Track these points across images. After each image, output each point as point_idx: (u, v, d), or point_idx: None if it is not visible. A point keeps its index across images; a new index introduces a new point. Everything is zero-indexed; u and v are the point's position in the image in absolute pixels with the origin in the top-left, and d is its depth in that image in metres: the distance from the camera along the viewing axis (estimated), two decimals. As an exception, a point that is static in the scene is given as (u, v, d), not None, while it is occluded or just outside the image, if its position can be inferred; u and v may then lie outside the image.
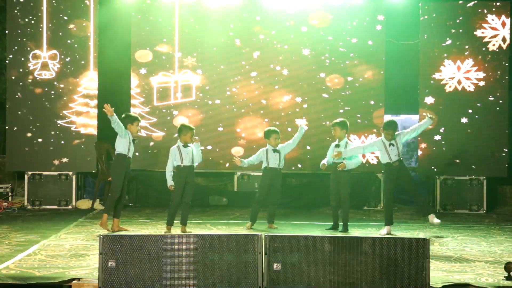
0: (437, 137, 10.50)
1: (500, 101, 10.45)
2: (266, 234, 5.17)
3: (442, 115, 10.50)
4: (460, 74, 10.48)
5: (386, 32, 10.68)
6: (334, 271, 5.03)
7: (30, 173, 10.40)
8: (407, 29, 10.97)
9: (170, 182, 7.99)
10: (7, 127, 10.48)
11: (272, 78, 10.73)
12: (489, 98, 10.43)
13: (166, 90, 10.68)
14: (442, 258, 6.53)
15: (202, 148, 8.53)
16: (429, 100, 10.51)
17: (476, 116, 10.48)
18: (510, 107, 10.57)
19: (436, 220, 8.02)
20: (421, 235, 8.05)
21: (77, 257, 6.36)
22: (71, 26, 10.47)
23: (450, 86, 10.48)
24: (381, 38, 10.67)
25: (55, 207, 10.37)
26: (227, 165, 10.16)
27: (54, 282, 5.40)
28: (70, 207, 10.39)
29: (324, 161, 8.48)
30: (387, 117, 10.92)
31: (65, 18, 10.46)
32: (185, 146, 8.00)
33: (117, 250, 5.02)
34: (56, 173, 10.45)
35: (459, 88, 10.47)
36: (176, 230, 8.01)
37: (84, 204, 10.51)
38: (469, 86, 10.46)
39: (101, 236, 5.04)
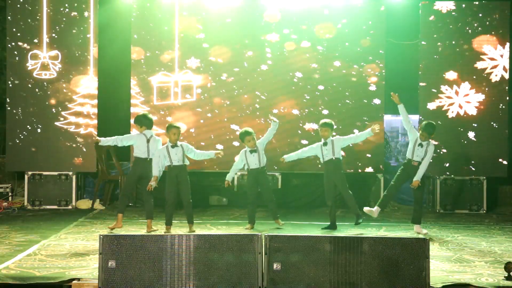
0: (437, 137, 10.52)
1: (501, 105, 10.47)
2: (266, 234, 5.17)
3: (442, 116, 10.52)
4: (460, 99, 10.50)
5: (386, 32, 10.68)
6: (334, 271, 5.03)
7: (30, 173, 10.40)
8: (407, 29, 10.96)
9: (155, 172, 7.94)
10: (7, 127, 10.49)
11: (271, 79, 10.71)
12: (490, 104, 10.49)
13: (166, 90, 10.68)
14: (442, 258, 6.53)
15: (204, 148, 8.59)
16: (432, 106, 10.52)
17: (477, 118, 10.51)
18: (510, 108, 10.57)
19: (424, 231, 8.20)
20: (421, 235, 8.05)
21: (77, 257, 6.36)
22: (71, 26, 10.47)
23: (445, 104, 10.52)
24: (381, 38, 10.66)
25: (55, 207, 10.37)
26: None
27: (54, 282, 5.40)
28: (70, 207, 10.39)
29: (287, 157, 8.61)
30: (387, 117, 10.96)
31: (65, 18, 10.46)
32: (173, 146, 8.04)
33: (117, 250, 5.02)
34: (56, 173, 10.45)
35: (461, 109, 10.53)
36: (178, 230, 8.04)
37: (84, 204, 10.51)
38: (470, 109, 10.50)
39: (101, 236, 5.04)
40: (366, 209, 8.24)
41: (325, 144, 8.40)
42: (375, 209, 8.15)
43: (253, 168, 8.47)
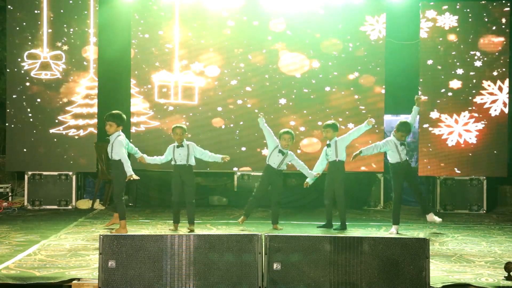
0: (437, 137, 10.51)
1: (501, 97, 10.50)
2: (266, 234, 5.16)
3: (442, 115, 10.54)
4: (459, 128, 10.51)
5: (386, 32, 10.67)
6: (334, 271, 5.03)
7: (30, 173, 10.40)
8: (407, 29, 10.96)
9: (144, 157, 8.12)
10: (7, 127, 10.49)
11: (268, 80, 10.72)
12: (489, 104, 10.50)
13: (166, 89, 10.67)
14: (442, 258, 6.53)
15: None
16: (435, 115, 10.52)
17: (476, 114, 10.51)
18: (510, 106, 10.57)
19: (437, 219, 8.18)
20: (421, 235, 8.05)
21: (77, 257, 6.36)
22: (71, 26, 10.47)
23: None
24: (381, 38, 10.65)
25: (55, 207, 10.37)
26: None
27: (54, 282, 5.40)
28: (70, 207, 10.40)
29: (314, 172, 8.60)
30: (387, 117, 10.96)
31: (65, 18, 10.46)
32: (178, 146, 8.14)
33: (117, 250, 5.02)
34: (56, 173, 10.45)
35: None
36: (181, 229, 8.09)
37: (84, 204, 10.51)
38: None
39: (101, 236, 5.04)
40: (391, 231, 8.18)
41: (328, 145, 8.43)
42: (395, 228, 8.16)
43: (270, 165, 8.44)
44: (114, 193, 7.97)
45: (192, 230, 8.03)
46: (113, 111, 7.94)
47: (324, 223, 8.56)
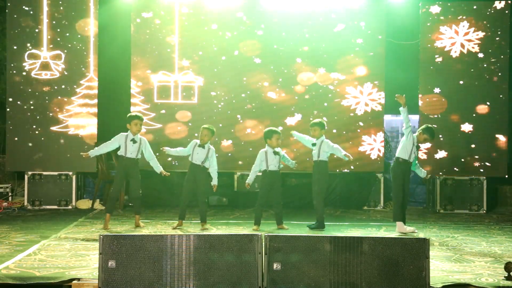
0: (438, 138, 10.52)
1: (501, 96, 10.52)
2: (266, 234, 5.17)
3: (442, 115, 10.53)
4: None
5: (386, 32, 10.67)
6: (334, 271, 5.03)
7: (30, 173, 10.40)
8: (407, 29, 10.96)
9: (168, 151, 8.44)
10: (7, 127, 10.48)
11: (267, 81, 10.72)
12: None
13: (166, 89, 10.67)
14: (442, 258, 6.53)
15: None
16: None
17: (476, 114, 10.53)
18: (510, 104, 10.58)
19: (409, 228, 8.01)
20: (421, 235, 8.05)
21: (77, 257, 6.36)
22: (71, 26, 10.46)
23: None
24: (381, 38, 10.65)
25: (55, 207, 10.37)
26: (240, 162, 10.41)
27: (54, 282, 5.39)
28: (70, 207, 10.40)
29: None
30: (387, 117, 10.96)
31: (65, 18, 10.46)
32: (200, 145, 8.27)
33: (117, 250, 5.02)
34: (56, 173, 10.45)
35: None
36: (179, 229, 8.06)
37: (84, 204, 10.51)
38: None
39: (101, 236, 5.04)
40: (408, 230, 8.03)
41: (313, 144, 8.37)
42: (399, 225, 8.06)
43: (272, 170, 8.32)
44: (136, 191, 8.29)
45: (205, 229, 8.15)
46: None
47: (314, 222, 8.47)
